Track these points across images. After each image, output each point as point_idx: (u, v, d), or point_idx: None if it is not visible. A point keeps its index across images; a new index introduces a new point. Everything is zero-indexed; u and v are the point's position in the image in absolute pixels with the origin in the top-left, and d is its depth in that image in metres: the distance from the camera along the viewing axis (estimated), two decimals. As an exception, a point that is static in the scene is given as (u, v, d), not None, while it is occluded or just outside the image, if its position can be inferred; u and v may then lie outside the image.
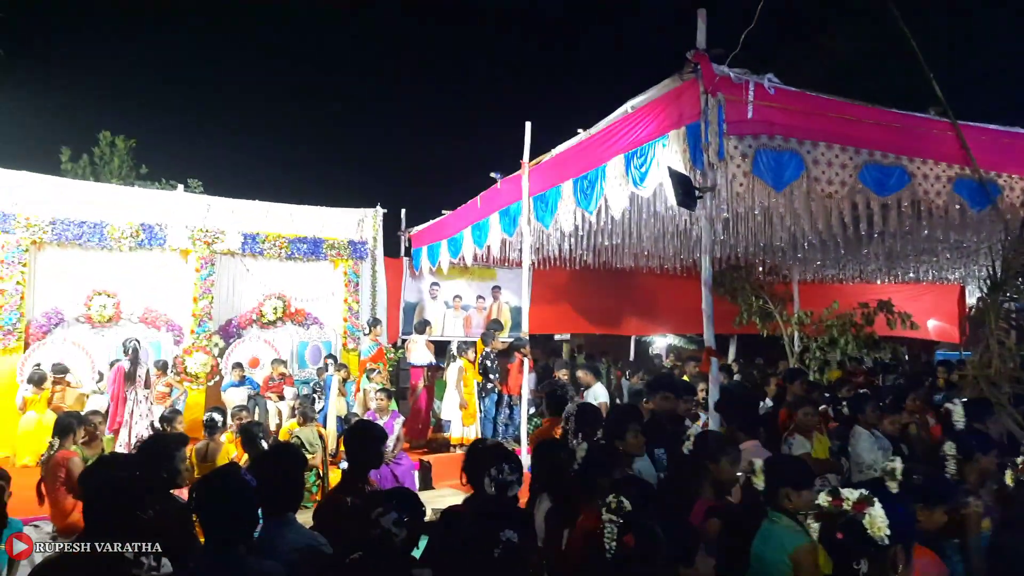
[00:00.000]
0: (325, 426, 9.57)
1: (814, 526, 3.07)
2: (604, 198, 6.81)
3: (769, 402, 7.76)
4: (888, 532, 2.64)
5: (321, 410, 9.88)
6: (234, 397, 10.09)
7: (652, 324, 15.79)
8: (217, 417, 7.09)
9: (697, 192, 5.39)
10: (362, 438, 4.08)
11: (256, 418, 9.27)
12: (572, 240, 10.10)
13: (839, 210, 6.46)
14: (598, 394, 9.07)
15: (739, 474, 3.89)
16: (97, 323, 10.50)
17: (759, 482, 3.55)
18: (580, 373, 9.68)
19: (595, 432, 4.93)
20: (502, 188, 9.35)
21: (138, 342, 9.29)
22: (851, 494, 2.82)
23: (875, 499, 2.75)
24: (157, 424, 7.34)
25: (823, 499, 2.90)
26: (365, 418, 8.89)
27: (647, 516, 2.79)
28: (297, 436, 7.49)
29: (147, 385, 9.16)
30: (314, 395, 10.21)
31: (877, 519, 2.69)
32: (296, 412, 8.24)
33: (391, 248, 13.45)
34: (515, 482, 3.56)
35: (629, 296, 14.63)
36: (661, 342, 20.14)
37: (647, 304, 14.85)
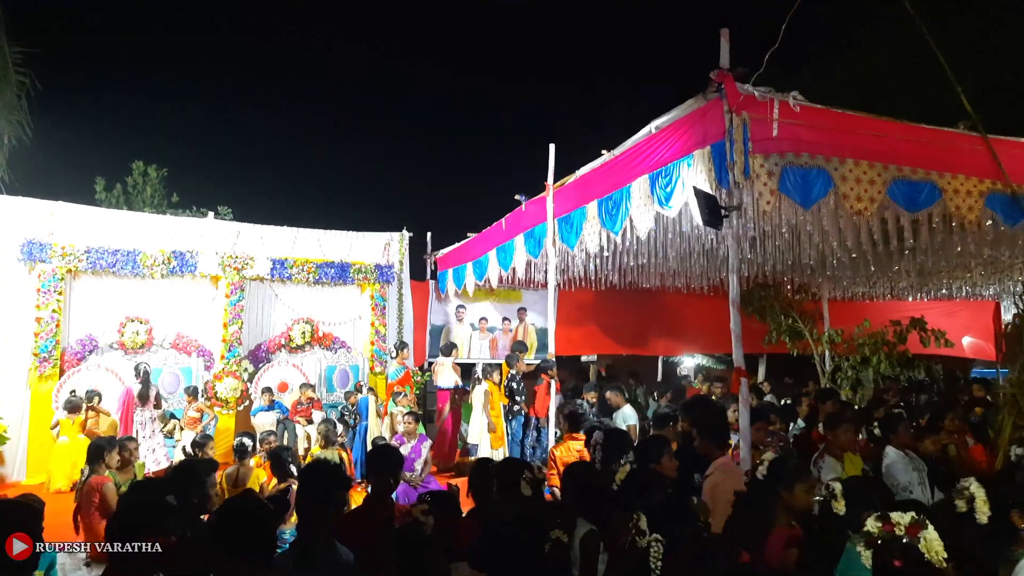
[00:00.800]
0: (354, 449, 9.62)
1: (865, 554, 2.95)
2: (629, 218, 6.81)
3: (801, 423, 7.63)
4: (946, 555, 2.54)
5: (354, 431, 9.93)
6: (263, 421, 10.16)
7: (680, 344, 15.67)
8: (247, 442, 7.15)
9: (723, 211, 5.36)
10: (380, 461, 4.16)
11: (285, 442, 9.32)
12: (597, 261, 10.10)
13: (868, 226, 6.38)
14: (627, 416, 9.00)
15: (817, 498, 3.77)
16: (130, 349, 10.67)
17: (840, 507, 3.44)
18: (609, 395, 9.61)
19: (623, 457, 4.88)
20: (527, 210, 9.37)
21: (148, 365, 9.71)
22: (902, 518, 2.68)
23: (927, 521, 2.65)
24: (189, 450, 7.40)
25: (872, 525, 2.77)
26: (388, 441, 8.94)
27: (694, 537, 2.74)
28: (317, 458, 7.51)
29: (157, 406, 9.46)
30: (344, 418, 10.25)
31: (933, 542, 2.56)
32: (319, 435, 8.29)
33: (417, 271, 13.54)
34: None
35: (656, 316, 14.56)
36: (689, 362, 19.95)
37: (674, 324, 14.76)
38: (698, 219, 5.66)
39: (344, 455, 8.11)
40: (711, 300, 13.03)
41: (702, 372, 15.82)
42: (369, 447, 9.19)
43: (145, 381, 9.26)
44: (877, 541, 2.72)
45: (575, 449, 6.64)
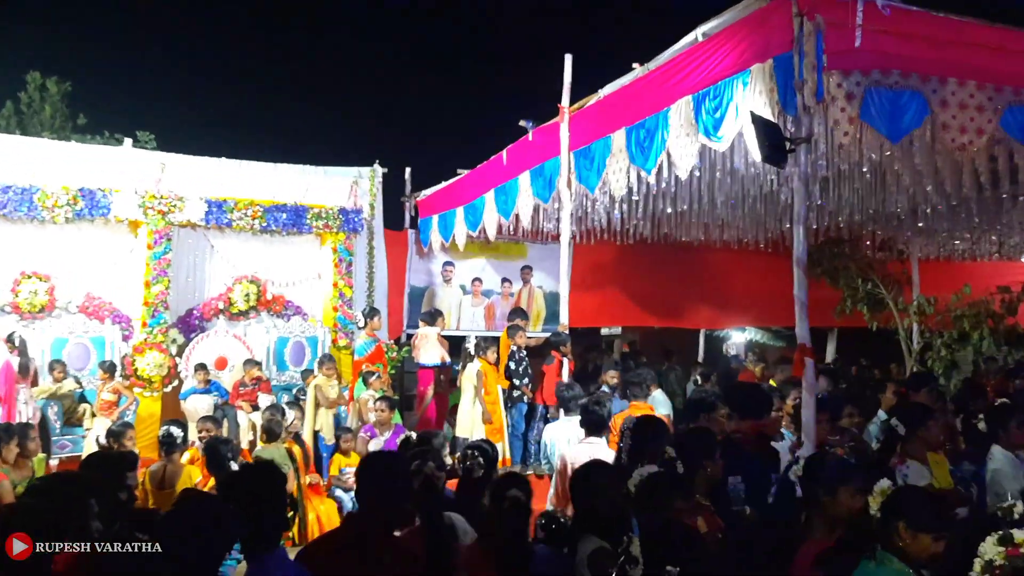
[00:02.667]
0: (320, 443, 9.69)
1: None
2: (666, 152, 6.80)
3: (882, 414, 7.67)
4: None
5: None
6: (197, 406, 10.21)
7: (727, 315, 15.73)
8: (176, 432, 7.18)
9: (788, 144, 5.33)
10: (380, 480, 3.80)
11: (225, 433, 9.38)
12: (624, 207, 10.11)
13: (973, 166, 6.36)
14: (657, 403, 9.06)
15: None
16: (27, 313, 10.69)
17: (875, 505, 3.50)
18: (612, 373, 9.70)
19: (658, 453, 4.91)
20: (535, 140, 9.34)
21: (19, 334, 9.64)
22: None
23: None
24: (103, 440, 7.46)
25: (991, 550, 2.75)
26: (353, 433, 9.02)
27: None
28: (258, 457, 7.57)
29: (34, 383, 9.56)
30: (300, 403, 10.33)
31: None
32: (262, 427, 8.34)
33: (393, 218, 13.49)
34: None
35: (698, 279, 14.59)
36: (739, 337, 20.02)
37: (721, 289, 14.79)
38: (755, 154, 5.65)
39: (297, 450, 8.18)
40: (768, 259, 12.98)
41: (755, 350, 15.85)
42: (307, 438, 9.32)
43: (23, 350, 9.29)
44: (1001, 570, 2.71)
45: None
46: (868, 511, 3.73)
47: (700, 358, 16.23)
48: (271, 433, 8.03)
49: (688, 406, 6.51)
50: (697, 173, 7.88)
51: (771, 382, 9.86)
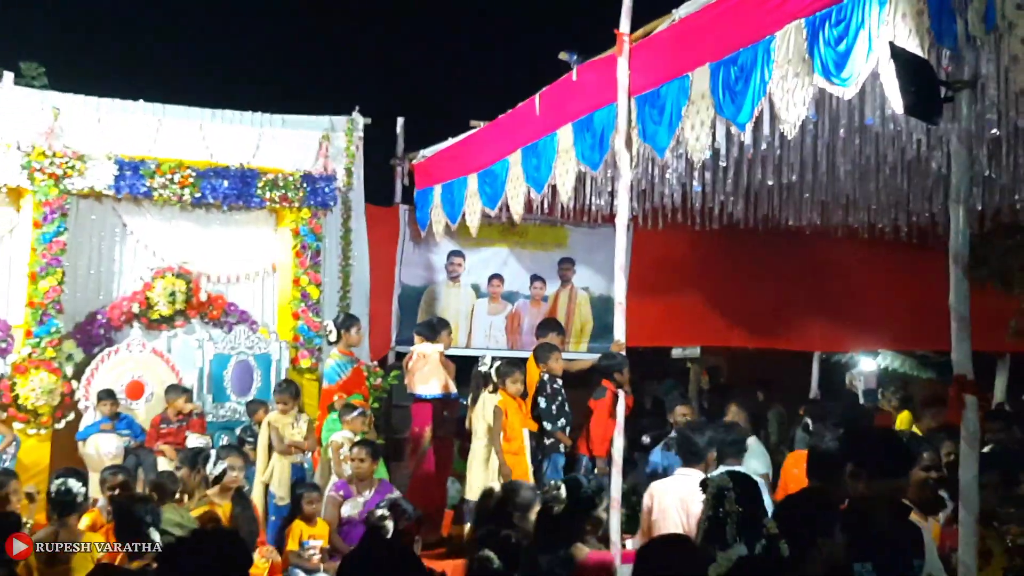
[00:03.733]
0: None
1: None
2: (767, 98, 6.81)
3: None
4: None
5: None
6: (101, 450, 10.29)
7: (852, 333, 15.59)
8: (74, 485, 7.19)
9: (944, 91, 5.29)
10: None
11: (141, 488, 9.41)
12: (707, 176, 10.10)
13: None
14: (751, 455, 9.00)
15: None
16: None
17: None
18: (734, 409, 9.64)
19: (756, 524, 4.90)
20: (580, 81, 9.34)
21: None
22: None
23: None
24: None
25: None
26: (344, 507, 9.03)
27: None
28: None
29: None
30: (244, 447, 10.36)
31: None
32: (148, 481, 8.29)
33: (378, 189, 13.54)
34: None
35: (810, 281, 14.52)
36: (868, 365, 19.86)
37: (843, 295, 14.65)
38: (896, 104, 5.59)
39: (222, 512, 8.06)
40: (912, 253, 12.92)
41: (892, 384, 15.70)
42: (256, 497, 9.30)
43: None
44: None
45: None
46: None
47: (813, 393, 16.12)
48: (162, 491, 7.90)
49: (816, 460, 6.45)
50: (811, 129, 7.97)
51: (915, 428, 9.79)
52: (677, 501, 6.55)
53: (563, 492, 6.27)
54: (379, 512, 6.92)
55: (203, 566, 3.48)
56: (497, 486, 9.65)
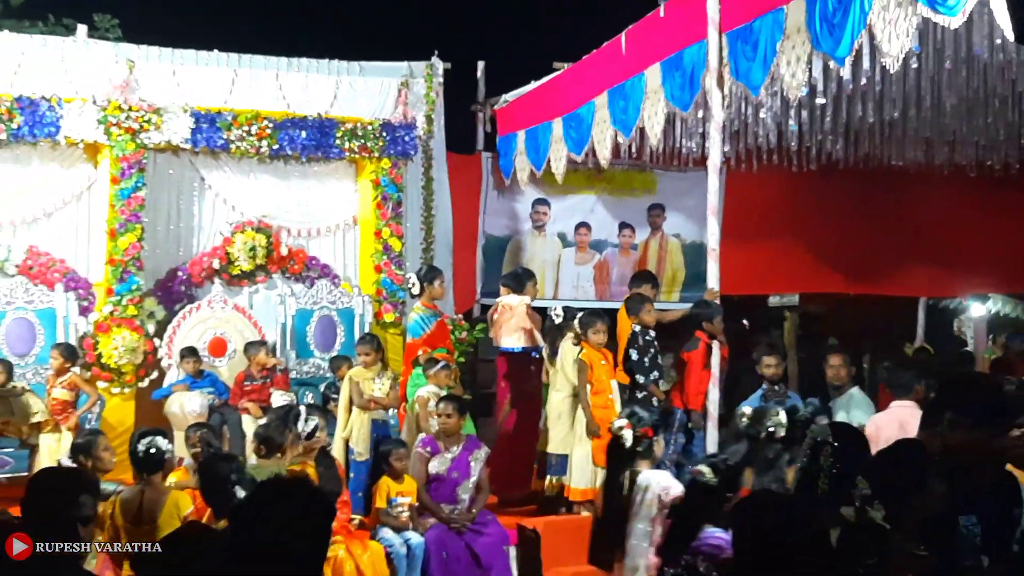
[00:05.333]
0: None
1: None
2: (867, 30, 6.71)
3: None
4: None
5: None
6: (185, 408, 10.42)
7: (959, 277, 15.43)
8: (160, 444, 7.25)
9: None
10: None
11: (225, 447, 9.51)
12: (804, 114, 9.95)
13: None
14: (855, 403, 8.86)
15: None
16: (-51, 277, 11.01)
17: None
18: (834, 361, 9.49)
19: (854, 476, 4.80)
20: (668, 17, 9.25)
21: None
22: None
23: None
24: (66, 458, 7.60)
25: None
26: (403, 446, 9.03)
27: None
28: (251, 478, 7.53)
29: None
30: (328, 404, 10.41)
31: None
32: (255, 434, 8.29)
33: (460, 136, 13.48)
34: None
35: (915, 223, 14.33)
36: (978, 310, 19.54)
37: (950, 238, 14.48)
38: (1008, 32, 5.51)
39: (312, 472, 8.10)
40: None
41: (1003, 328, 15.44)
42: (337, 451, 9.32)
43: None
44: None
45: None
46: None
47: (919, 341, 15.88)
48: (270, 444, 7.98)
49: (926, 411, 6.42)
50: (915, 62, 7.80)
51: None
52: (897, 430, 6.85)
53: (783, 418, 6.58)
54: None
55: (282, 517, 3.44)
56: (586, 447, 9.65)
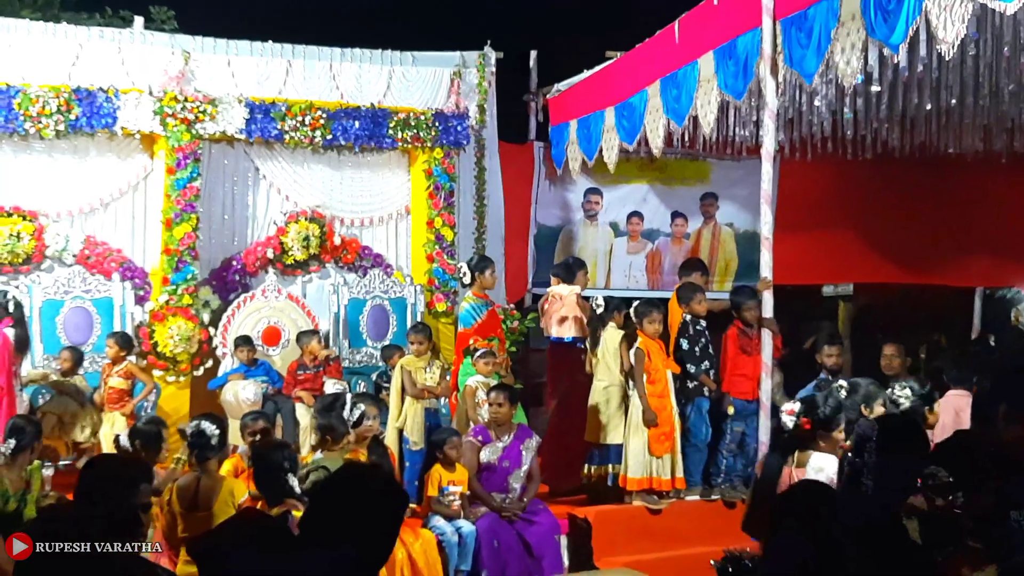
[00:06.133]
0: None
1: None
2: (923, 17, 6.64)
3: None
4: None
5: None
6: (240, 397, 10.52)
7: (1017, 266, 15.26)
8: (207, 427, 7.30)
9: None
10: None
11: (279, 434, 9.60)
12: (859, 103, 9.92)
13: None
14: (906, 396, 8.83)
15: None
16: (6, 266, 11.13)
17: None
18: (889, 351, 9.44)
19: (907, 470, 4.79)
20: (721, 5, 9.22)
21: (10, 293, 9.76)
22: None
23: None
24: (124, 441, 7.69)
25: None
26: (484, 452, 9.00)
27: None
28: (322, 467, 7.57)
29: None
30: (381, 393, 10.47)
31: None
32: (318, 425, 8.30)
33: (512, 126, 13.48)
34: None
35: (971, 212, 14.20)
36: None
37: (1008, 227, 14.32)
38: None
39: (363, 459, 8.13)
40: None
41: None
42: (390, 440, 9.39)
43: (19, 318, 9.49)
44: None
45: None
46: None
47: (976, 331, 15.72)
48: (334, 434, 7.96)
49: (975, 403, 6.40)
50: (972, 49, 7.78)
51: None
52: (952, 417, 7.49)
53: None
54: None
55: (361, 501, 3.50)
56: (642, 436, 9.64)
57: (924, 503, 4.55)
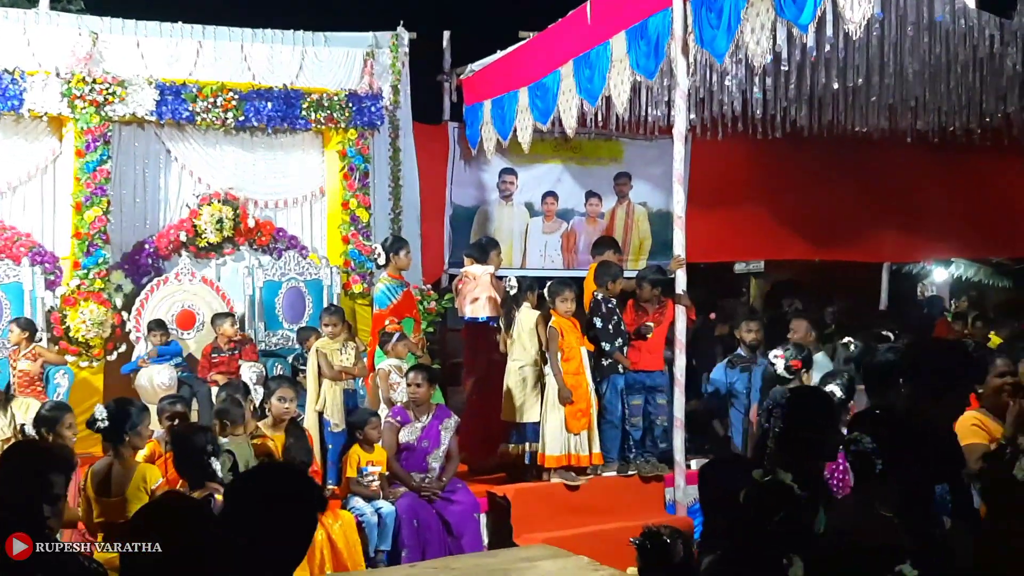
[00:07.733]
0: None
1: None
2: None
3: None
4: None
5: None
6: (155, 380, 10.44)
7: (922, 242, 15.52)
8: (97, 412, 7.12)
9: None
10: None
11: (196, 418, 9.52)
12: (768, 82, 10.02)
13: None
14: (817, 369, 9.01)
15: None
16: (-87, 253, 10.94)
17: None
18: (796, 325, 9.59)
19: (821, 439, 4.87)
20: (635, -16, 9.21)
21: None
22: None
23: None
24: (30, 429, 7.60)
25: None
26: (403, 432, 8.98)
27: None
28: (227, 451, 7.52)
29: None
30: (297, 376, 10.43)
31: None
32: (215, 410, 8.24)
33: (426, 106, 13.44)
34: None
35: (879, 189, 14.41)
36: (941, 275, 19.68)
37: (913, 203, 14.55)
38: (968, -1, 5.49)
39: (273, 444, 8.06)
40: (987, 157, 12.71)
41: (965, 291, 15.59)
42: (309, 421, 9.35)
43: None
44: None
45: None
46: None
47: (882, 305, 15.99)
48: (228, 416, 7.84)
49: (867, 373, 6.43)
50: (877, 28, 7.87)
51: (992, 338, 9.73)
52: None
53: None
54: None
55: (277, 504, 3.52)
56: (558, 414, 9.69)
57: (761, 475, 4.52)
